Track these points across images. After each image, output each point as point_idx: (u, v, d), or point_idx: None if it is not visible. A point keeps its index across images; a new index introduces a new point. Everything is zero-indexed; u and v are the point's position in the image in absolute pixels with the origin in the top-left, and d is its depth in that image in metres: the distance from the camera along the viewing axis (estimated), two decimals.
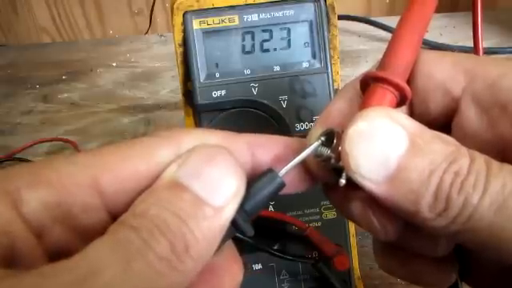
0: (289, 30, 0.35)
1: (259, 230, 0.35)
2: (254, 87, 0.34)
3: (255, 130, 0.34)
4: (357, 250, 0.38)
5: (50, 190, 0.19)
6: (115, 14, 1.00)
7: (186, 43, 0.34)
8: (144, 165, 0.20)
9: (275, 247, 0.36)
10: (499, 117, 0.22)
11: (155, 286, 0.17)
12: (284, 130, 0.35)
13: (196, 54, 0.34)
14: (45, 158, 0.63)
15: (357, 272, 0.38)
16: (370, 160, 0.20)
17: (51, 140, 0.65)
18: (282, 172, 0.21)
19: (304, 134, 0.35)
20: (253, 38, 0.35)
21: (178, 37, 0.34)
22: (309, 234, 0.35)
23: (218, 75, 0.34)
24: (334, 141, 0.21)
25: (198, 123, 0.35)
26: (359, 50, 0.84)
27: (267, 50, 0.35)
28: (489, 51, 0.75)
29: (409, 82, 0.23)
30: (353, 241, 0.37)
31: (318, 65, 0.35)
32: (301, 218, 0.36)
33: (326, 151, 0.21)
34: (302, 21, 0.35)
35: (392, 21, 0.86)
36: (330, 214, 0.36)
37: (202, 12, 0.34)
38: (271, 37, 0.35)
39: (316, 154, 0.22)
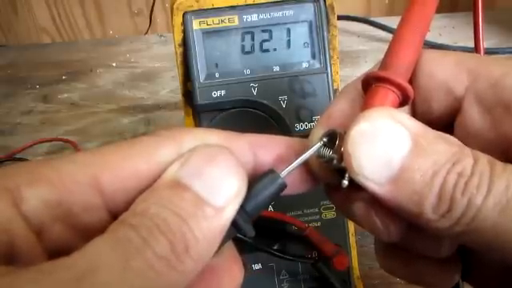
0: (288, 30, 0.35)
1: (259, 230, 0.35)
2: (254, 87, 0.35)
3: (255, 130, 0.34)
4: (356, 249, 0.38)
5: (50, 188, 0.19)
6: (115, 14, 1.00)
7: (185, 43, 0.34)
8: (145, 164, 0.20)
9: (275, 247, 0.36)
10: (502, 116, 0.22)
11: (154, 286, 0.17)
12: (284, 131, 0.35)
13: (196, 55, 0.34)
14: (45, 158, 0.63)
15: (356, 272, 0.38)
16: (372, 161, 0.20)
17: (51, 140, 0.65)
18: (284, 173, 0.21)
19: (304, 134, 0.35)
20: (252, 38, 0.35)
21: (178, 37, 0.34)
22: (308, 233, 0.35)
23: (217, 75, 0.34)
24: (337, 142, 0.21)
25: (198, 123, 0.35)
26: (359, 50, 0.84)
27: (267, 50, 0.35)
28: (488, 51, 0.75)
29: (411, 81, 0.23)
30: (352, 240, 0.37)
31: (317, 65, 0.35)
32: (300, 217, 0.36)
33: (328, 152, 0.21)
34: (302, 21, 0.35)
35: (391, 21, 0.86)
36: (330, 214, 0.37)
37: (202, 12, 0.34)
38: (271, 37, 0.35)
39: (318, 155, 0.22)
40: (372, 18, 0.90)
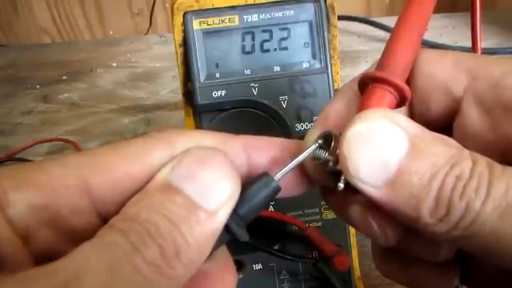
0: (289, 31, 0.35)
1: (259, 230, 0.35)
2: (254, 87, 0.35)
3: (255, 131, 0.34)
4: (357, 249, 0.38)
5: (37, 192, 0.19)
6: (115, 14, 1.00)
7: (186, 43, 0.34)
8: (136, 166, 0.20)
9: (275, 247, 0.36)
10: (502, 117, 0.21)
11: None
12: (284, 131, 0.35)
13: (196, 55, 0.34)
14: (45, 158, 0.63)
15: (357, 272, 0.38)
16: (368, 164, 0.19)
17: (51, 140, 0.65)
18: (278, 176, 0.21)
19: (304, 135, 0.35)
20: (253, 39, 0.35)
21: (178, 37, 0.34)
22: (309, 233, 0.35)
23: (218, 75, 0.34)
24: (332, 143, 0.21)
25: (199, 123, 0.35)
26: (359, 50, 0.84)
27: (267, 50, 0.35)
28: (488, 52, 0.75)
29: (408, 81, 0.23)
30: (353, 241, 0.37)
31: (318, 65, 0.35)
32: (301, 217, 0.36)
33: (324, 154, 0.21)
34: (302, 21, 0.35)
35: (392, 21, 0.85)
36: (330, 214, 0.36)
37: (202, 12, 0.34)
38: (271, 37, 0.35)
39: (313, 157, 0.21)
40: (372, 18, 0.90)
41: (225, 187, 0.19)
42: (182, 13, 0.34)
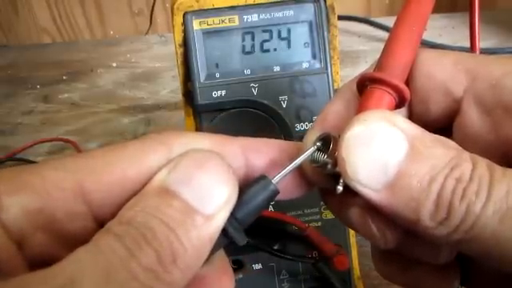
0: (289, 31, 0.35)
1: (259, 230, 0.35)
2: (254, 87, 0.35)
3: (255, 131, 0.35)
4: (356, 249, 0.38)
5: (31, 196, 0.18)
6: (115, 14, 1.00)
7: (186, 43, 0.34)
8: (132, 169, 0.19)
9: (275, 247, 0.36)
10: (503, 118, 0.21)
11: None
12: (284, 131, 0.35)
13: (196, 55, 0.34)
14: (45, 158, 0.63)
15: (356, 272, 0.38)
16: (367, 166, 0.19)
17: (52, 140, 0.65)
18: (276, 179, 0.21)
19: (304, 135, 0.35)
20: (253, 39, 0.35)
21: (178, 37, 0.34)
22: (309, 233, 0.35)
23: (218, 75, 0.34)
24: (331, 146, 0.21)
25: (199, 123, 0.35)
26: (359, 50, 0.84)
27: (267, 51, 0.35)
28: (487, 52, 0.75)
29: (407, 82, 0.23)
30: (353, 241, 0.37)
31: (317, 65, 0.35)
32: (301, 217, 0.36)
33: (322, 157, 0.21)
34: (302, 21, 0.35)
35: (392, 21, 0.85)
36: (330, 214, 0.37)
37: (202, 12, 0.34)
38: (271, 37, 0.35)
39: (312, 160, 0.21)
40: (372, 18, 0.90)
41: (222, 191, 0.19)
42: (182, 13, 0.34)
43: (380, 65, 0.22)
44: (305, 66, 0.35)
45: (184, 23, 0.34)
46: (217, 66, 0.34)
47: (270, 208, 0.36)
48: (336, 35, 0.36)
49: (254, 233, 0.35)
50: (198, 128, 0.35)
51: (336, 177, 0.20)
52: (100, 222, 0.19)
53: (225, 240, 0.20)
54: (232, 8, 0.34)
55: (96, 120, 0.71)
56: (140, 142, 0.20)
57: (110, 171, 0.19)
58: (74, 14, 1.00)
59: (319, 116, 0.24)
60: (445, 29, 0.87)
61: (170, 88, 0.78)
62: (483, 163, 0.18)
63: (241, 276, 0.36)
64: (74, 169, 0.19)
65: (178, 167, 0.19)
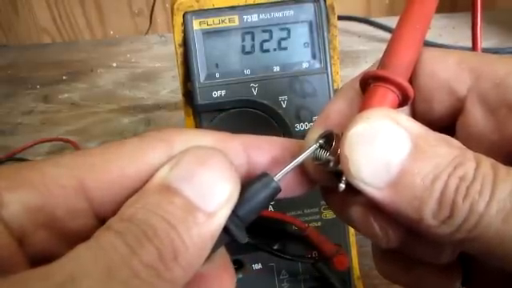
0: (289, 31, 0.35)
1: (259, 229, 0.35)
2: (254, 87, 0.35)
3: (255, 131, 0.34)
4: (356, 249, 0.38)
5: (32, 193, 0.18)
6: (115, 14, 1.00)
7: (186, 43, 0.34)
8: (133, 167, 0.19)
9: (275, 247, 0.36)
10: (507, 117, 0.21)
11: None
12: (284, 131, 0.35)
13: (196, 55, 0.34)
14: (45, 158, 0.63)
15: (356, 271, 0.38)
16: (370, 164, 0.19)
17: (52, 140, 0.65)
18: (278, 176, 0.20)
19: (304, 135, 0.35)
20: (253, 39, 0.35)
21: (178, 37, 0.34)
22: (308, 233, 0.35)
23: (218, 75, 0.34)
24: (333, 143, 0.21)
25: (198, 123, 0.35)
26: (359, 50, 0.84)
27: (267, 51, 0.35)
28: (488, 52, 0.75)
29: (411, 81, 0.23)
30: (352, 240, 0.37)
31: (317, 65, 0.35)
32: (300, 217, 0.36)
33: (325, 154, 0.21)
34: (302, 21, 0.35)
35: (392, 21, 0.86)
36: (330, 214, 0.37)
37: (202, 12, 0.34)
38: (271, 37, 0.35)
39: (314, 158, 0.21)
40: (372, 18, 0.90)
41: (224, 188, 0.19)
42: (182, 13, 0.34)
43: (383, 63, 0.22)
44: (305, 66, 0.35)
45: (184, 23, 0.34)
46: (217, 66, 0.34)
47: (270, 208, 0.36)
48: (336, 35, 0.36)
49: (254, 233, 0.35)
50: (198, 128, 0.35)
51: (338, 175, 0.20)
52: (101, 220, 0.19)
53: (226, 238, 0.20)
54: (232, 8, 0.34)
55: (96, 120, 0.71)
56: (140, 139, 0.20)
57: (109, 168, 0.19)
58: (74, 14, 1.00)
59: (321, 114, 0.24)
60: (445, 29, 0.87)
61: (170, 88, 0.78)
62: (487, 162, 0.18)
63: (240, 276, 0.36)
64: (73, 166, 0.19)
65: (179, 164, 0.19)
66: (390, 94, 0.21)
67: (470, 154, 0.19)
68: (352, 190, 0.20)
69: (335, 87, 0.36)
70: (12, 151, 0.63)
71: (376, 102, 0.21)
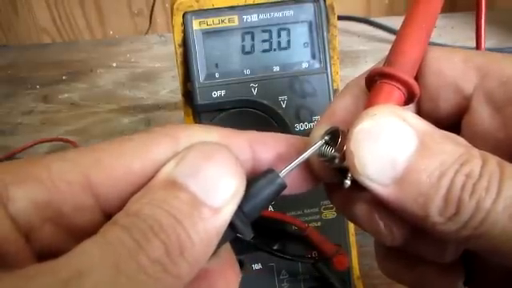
0: (288, 31, 0.35)
1: (259, 229, 0.35)
2: (254, 87, 0.35)
3: (255, 130, 0.34)
4: (356, 249, 0.38)
5: (39, 188, 0.18)
6: (115, 14, 1.00)
7: (185, 43, 0.34)
8: (138, 162, 0.19)
9: (275, 247, 0.36)
10: None
11: None
12: (284, 131, 0.35)
13: (196, 55, 0.34)
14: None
15: (356, 271, 0.38)
16: (376, 161, 0.19)
17: (52, 140, 0.65)
18: (283, 172, 0.20)
19: (304, 134, 0.35)
20: (252, 39, 0.35)
21: (178, 37, 0.34)
22: (308, 233, 0.35)
23: (217, 75, 0.34)
24: (339, 140, 0.21)
25: (198, 123, 0.35)
26: (359, 50, 0.84)
27: (267, 51, 0.35)
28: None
29: (417, 79, 0.23)
30: (352, 240, 0.37)
31: (317, 65, 0.35)
32: (300, 217, 0.36)
33: (330, 151, 0.21)
34: (302, 21, 0.35)
35: (391, 21, 0.86)
36: (330, 214, 0.37)
37: (202, 12, 0.34)
38: (271, 37, 0.35)
39: (319, 154, 0.21)
40: (372, 18, 0.90)
41: (230, 184, 0.19)
42: (182, 13, 0.34)
43: (389, 61, 0.22)
44: (304, 66, 0.35)
45: (184, 23, 0.34)
46: (216, 66, 0.34)
47: (270, 208, 0.36)
48: (336, 35, 0.36)
49: (254, 232, 0.35)
50: None
51: (343, 171, 0.20)
52: (107, 215, 0.19)
53: (231, 233, 0.19)
54: (232, 8, 0.34)
55: (96, 120, 0.71)
56: (145, 135, 0.20)
57: (116, 164, 0.19)
58: (73, 14, 1.00)
59: (327, 110, 0.24)
60: (444, 29, 0.87)
61: (170, 88, 0.78)
62: (493, 160, 0.18)
63: (240, 276, 0.36)
64: (79, 161, 0.19)
65: (185, 159, 0.19)
66: (396, 92, 0.21)
67: (476, 151, 0.19)
68: (357, 186, 0.20)
69: (335, 87, 0.36)
70: (12, 151, 0.63)
71: (382, 99, 0.21)
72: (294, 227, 0.35)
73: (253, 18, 0.35)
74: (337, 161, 0.20)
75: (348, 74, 0.70)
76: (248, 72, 0.35)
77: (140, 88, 0.79)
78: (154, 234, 0.17)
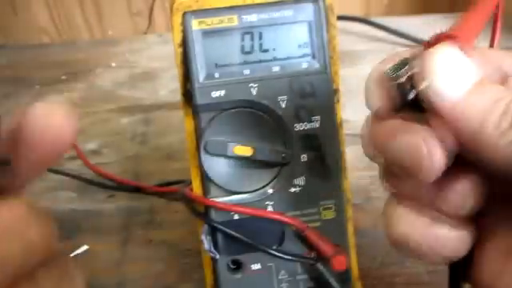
0: (288, 31, 0.35)
1: (259, 229, 0.35)
2: (254, 87, 0.35)
3: (254, 130, 0.34)
4: (355, 249, 0.38)
5: None
6: (114, 14, 1.00)
7: (185, 43, 0.34)
8: None
9: (274, 247, 0.36)
10: None
11: None
12: (283, 130, 0.35)
13: (195, 55, 0.34)
14: None
15: (355, 272, 0.38)
16: (445, 78, 0.22)
17: None
18: None
19: (304, 134, 0.35)
20: (252, 38, 0.35)
21: (177, 37, 0.34)
22: (308, 234, 0.35)
23: (217, 75, 0.34)
24: (412, 62, 0.23)
25: (198, 123, 0.35)
26: (358, 50, 0.84)
27: (266, 51, 0.35)
28: None
29: None
30: (351, 241, 0.37)
31: (317, 65, 0.35)
32: (300, 218, 0.36)
33: (405, 71, 0.23)
34: (301, 21, 0.35)
35: (391, 21, 0.86)
36: (329, 214, 0.37)
37: (202, 12, 0.34)
38: (270, 37, 0.35)
39: (391, 70, 0.24)
40: (371, 19, 0.90)
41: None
42: (181, 13, 0.34)
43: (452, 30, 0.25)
44: (304, 66, 0.35)
45: (183, 23, 0.34)
46: (216, 65, 0.34)
47: (270, 208, 0.36)
48: (335, 35, 0.36)
49: (254, 233, 0.35)
50: (197, 128, 0.35)
51: (406, 91, 0.23)
52: None
53: None
54: (231, 8, 0.34)
55: (95, 120, 0.71)
56: None
57: None
58: (72, 14, 1.00)
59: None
60: (444, 29, 0.87)
61: (169, 88, 0.78)
62: None
63: (239, 276, 0.36)
64: None
65: None
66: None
67: None
68: (412, 110, 0.23)
69: (335, 87, 0.36)
70: None
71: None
72: (293, 227, 0.35)
73: (252, 17, 0.34)
74: (407, 76, 0.23)
75: (348, 74, 0.70)
76: (247, 72, 0.35)
77: (139, 88, 0.79)
78: None
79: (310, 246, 0.36)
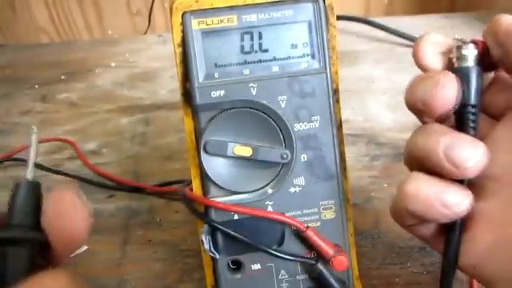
0: (287, 31, 0.35)
1: (258, 229, 0.35)
2: (253, 87, 0.35)
3: (254, 131, 0.34)
4: (355, 249, 0.38)
5: None
6: (114, 14, 1.00)
7: (184, 43, 0.34)
8: None
9: (274, 247, 0.36)
10: None
11: None
12: (283, 130, 0.35)
13: (195, 54, 0.34)
14: (44, 157, 0.63)
15: (355, 272, 0.38)
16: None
17: (50, 140, 0.65)
18: None
19: (304, 134, 0.35)
20: (251, 38, 0.35)
21: (177, 37, 0.34)
22: (308, 234, 0.35)
23: (216, 75, 0.34)
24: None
25: (197, 123, 0.35)
26: (358, 50, 0.84)
27: (266, 50, 0.35)
28: None
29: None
30: (351, 241, 0.37)
31: (316, 65, 0.35)
32: (299, 218, 0.36)
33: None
34: (301, 21, 0.35)
35: (390, 21, 0.86)
36: (329, 214, 0.37)
37: (201, 12, 0.34)
38: (270, 37, 0.35)
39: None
40: (371, 18, 0.90)
41: None
42: (181, 13, 0.34)
43: None
44: (304, 66, 0.35)
45: (182, 23, 0.34)
46: (215, 65, 0.34)
47: (269, 208, 0.36)
48: (335, 35, 0.36)
49: (253, 233, 0.35)
50: (197, 128, 0.35)
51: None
52: None
53: None
54: (231, 8, 0.34)
55: (94, 120, 0.71)
56: None
57: None
58: (72, 13, 1.00)
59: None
60: (444, 29, 0.87)
61: (169, 88, 0.78)
62: None
63: (239, 276, 0.36)
64: None
65: None
66: None
67: None
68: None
69: (334, 87, 0.36)
70: (10, 151, 0.63)
71: None
72: (292, 227, 0.35)
73: (252, 17, 0.34)
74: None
75: (347, 74, 0.70)
76: (247, 72, 0.35)
77: (139, 88, 0.79)
78: None
79: (310, 246, 0.36)
